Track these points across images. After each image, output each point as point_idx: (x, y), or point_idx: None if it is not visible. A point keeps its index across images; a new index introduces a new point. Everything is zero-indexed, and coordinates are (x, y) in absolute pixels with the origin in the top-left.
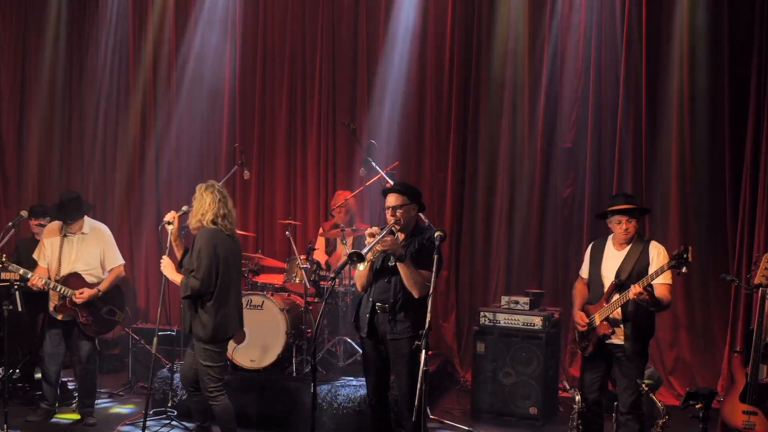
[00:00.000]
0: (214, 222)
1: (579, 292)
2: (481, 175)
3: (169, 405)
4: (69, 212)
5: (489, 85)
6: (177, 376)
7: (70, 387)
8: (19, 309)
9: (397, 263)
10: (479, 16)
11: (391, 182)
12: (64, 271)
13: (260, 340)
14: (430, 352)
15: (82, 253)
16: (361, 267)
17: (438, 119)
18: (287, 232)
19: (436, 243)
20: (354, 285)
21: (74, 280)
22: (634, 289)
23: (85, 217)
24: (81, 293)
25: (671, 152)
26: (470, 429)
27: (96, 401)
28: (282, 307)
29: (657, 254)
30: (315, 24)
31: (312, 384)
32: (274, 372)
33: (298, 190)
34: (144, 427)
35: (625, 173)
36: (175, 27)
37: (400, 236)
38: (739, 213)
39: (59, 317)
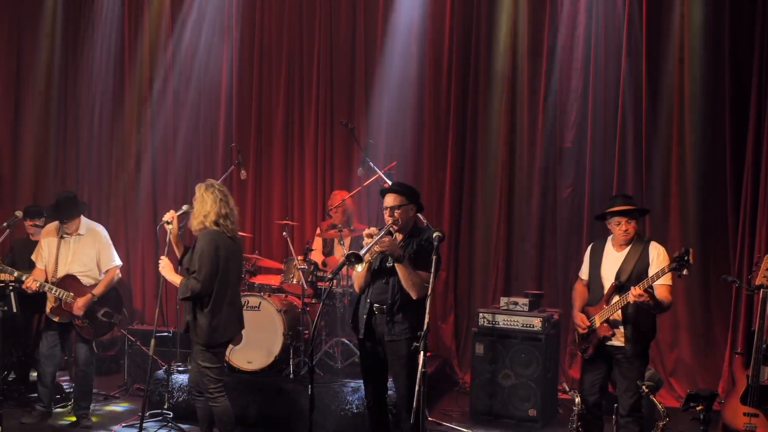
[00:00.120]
0: (216, 223)
1: (579, 293)
2: (480, 175)
3: (166, 407)
4: (65, 212)
5: (488, 84)
6: (173, 377)
7: (65, 389)
8: (14, 310)
9: (395, 264)
10: (478, 15)
11: (390, 182)
12: (60, 273)
13: (257, 341)
14: (428, 354)
15: (78, 255)
16: (359, 268)
17: (437, 119)
18: (284, 233)
19: (435, 244)
20: (352, 286)
21: (70, 282)
22: (635, 292)
23: (82, 218)
24: (77, 304)
25: (672, 152)
26: (469, 431)
27: (92, 403)
28: (279, 309)
29: (657, 255)
30: (312, 22)
31: (310, 386)
32: (271, 374)
33: (295, 190)
34: (141, 429)
35: (626, 173)
36: (171, 26)
37: (399, 237)
38: (740, 213)
39: (56, 319)
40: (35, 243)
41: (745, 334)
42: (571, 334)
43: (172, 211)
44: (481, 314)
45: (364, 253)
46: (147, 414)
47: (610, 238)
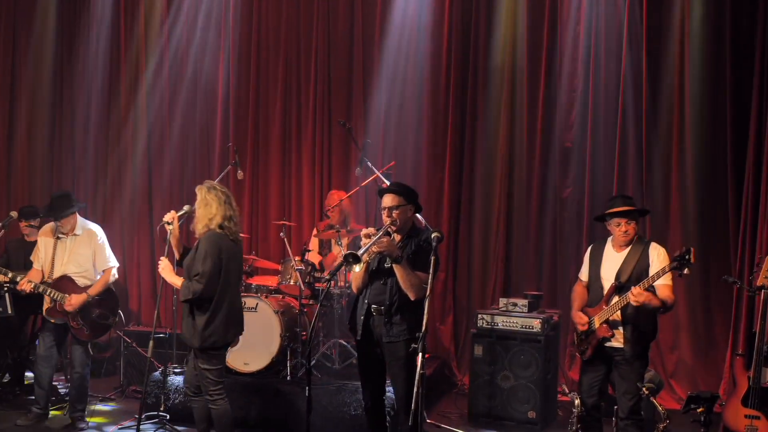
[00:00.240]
0: (221, 226)
1: (578, 294)
2: (478, 175)
3: (162, 409)
4: (59, 210)
5: (487, 83)
6: (170, 379)
7: (61, 391)
8: (9, 311)
9: (394, 265)
10: (477, 15)
11: (388, 182)
12: (56, 274)
13: (254, 342)
14: (427, 355)
15: (74, 255)
16: (357, 268)
17: (435, 119)
18: (282, 233)
19: (433, 244)
20: (350, 286)
21: (65, 283)
22: (635, 291)
23: (78, 219)
24: (70, 301)
25: (672, 152)
26: None
27: (87, 405)
28: (276, 310)
29: (657, 255)
30: (310, 19)
31: (307, 387)
32: (268, 375)
33: (292, 190)
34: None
35: (626, 173)
36: (167, 24)
37: (397, 237)
38: (741, 214)
39: (52, 320)
40: (30, 244)
41: (746, 335)
42: (570, 335)
43: (172, 212)
44: (480, 315)
45: (362, 254)
46: (143, 416)
47: (610, 239)
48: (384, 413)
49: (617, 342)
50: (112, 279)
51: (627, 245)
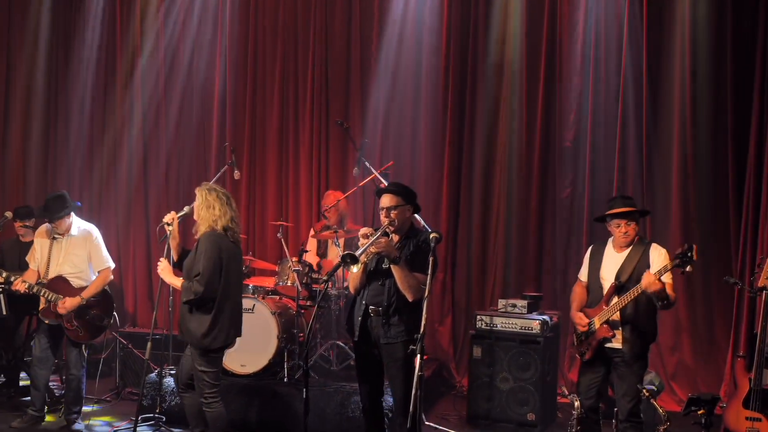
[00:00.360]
0: (225, 227)
1: (578, 295)
2: (477, 175)
3: (158, 411)
4: (54, 210)
5: (486, 83)
6: (166, 381)
7: (56, 393)
8: (4, 312)
9: (391, 265)
10: (476, 14)
11: (386, 182)
12: (51, 274)
13: (251, 344)
14: (425, 357)
15: (69, 256)
16: (355, 269)
17: (434, 118)
18: (279, 234)
19: (432, 245)
20: (347, 287)
21: (60, 284)
22: (649, 278)
23: (74, 218)
24: (63, 303)
25: (673, 152)
26: None
27: (83, 407)
28: (273, 311)
29: (658, 256)
30: (307, 18)
31: (304, 389)
32: (265, 377)
33: (290, 191)
34: None
35: (626, 173)
36: (163, 22)
37: (395, 238)
38: (742, 214)
39: (46, 321)
40: (25, 244)
41: (747, 336)
42: (570, 336)
43: (172, 213)
44: (478, 316)
45: (360, 254)
46: (139, 418)
47: (610, 240)
48: (382, 415)
49: (617, 343)
50: (107, 280)
51: (627, 246)
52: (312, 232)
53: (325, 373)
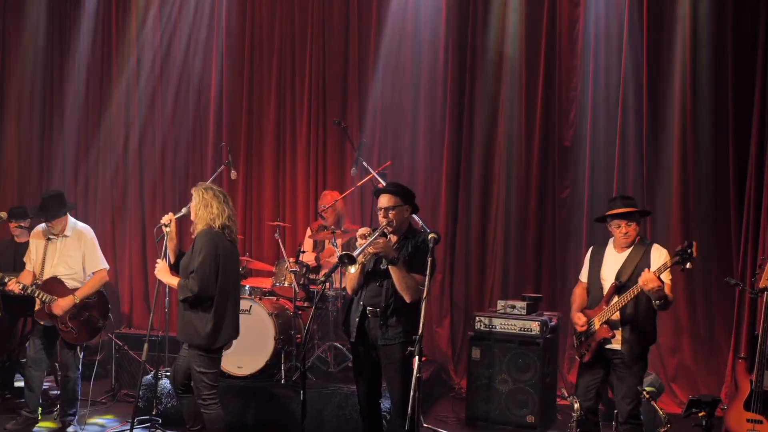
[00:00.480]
0: (224, 226)
1: (578, 296)
2: (476, 175)
3: (154, 413)
4: (50, 210)
5: (484, 82)
6: (162, 383)
7: (51, 394)
8: None
9: (389, 266)
10: (474, 14)
11: (383, 182)
12: (46, 275)
13: (248, 345)
14: (423, 358)
15: (64, 257)
16: (352, 269)
17: (432, 118)
18: (276, 234)
19: (430, 245)
20: (345, 288)
21: (54, 285)
22: (648, 275)
23: (69, 219)
24: (57, 304)
25: (673, 152)
26: None
27: (78, 409)
28: (270, 312)
29: (659, 256)
30: (305, 17)
31: (302, 391)
32: (262, 379)
33: (287, 191)
34: None
35: (626, 173)
36: (159, 20)
37: (393, 238)
38: (743, 214)
39: (41, 323)
40: (20, 245)
41: (748, 338)
42: (570, 338)
43: (170, 214)
44: (477, 318)
45: (358, 255)
46: (135, 420)
47: (611, 240)
48: (380, 417)
49: (616, 344)
50: (102, 282)
51: (628, 247)
52: (309, 232)
53: (322, 375)
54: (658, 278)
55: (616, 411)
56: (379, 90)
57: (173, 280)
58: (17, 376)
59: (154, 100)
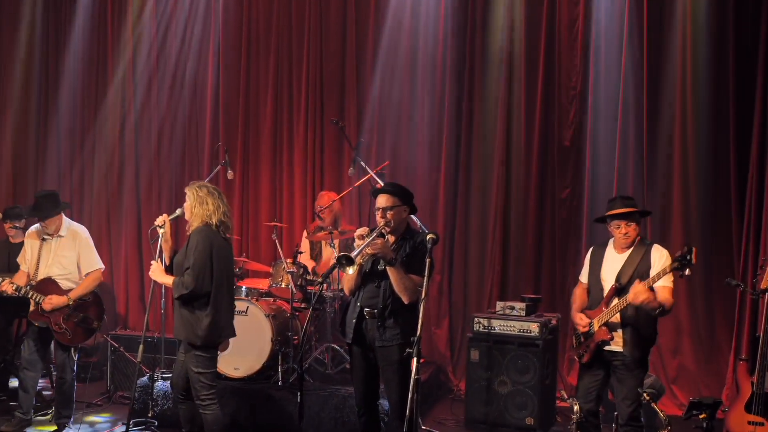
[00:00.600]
0: (219, 222)
1: (578, 297)
2: (475, 175)
3: (150, 415)
4: (44, 210)
5: (483, 81)
6: (158, 385)
7: (46, 396)
8: None
9: (387, 267)
10: (473, 13)
11: (381, 182)
12: (40, 276)
13: (244, 347)
14: (421, 360)
15: (58, 257)
16: (350, 271)
17: (431, 117)
18: (273, 235)
19: (429, 246)
20: (343, 289)
21: (48, 285)
22: (636, 288)
23: (64, 219)
24: (50, 300)
25: (674, 151)
26: None
27: (73, 411)
28: (267, 313)
29: (659, 257)
30: (302, 13)
31: (299, 393)
32: (259, 381)
33: (284, 191)
34: None
35: (626, 173)
36: (155, 19)
37: (391, 239)
38: (744, 214)
39: (36, 324)
40: (15, 245)
41: (749, 339)
42: (569, 339)
43: (164, 215)
44: (476, 319)
45: (356, 256)
46: (131, 422)
47: (611, 240)
48: (378, 419)
49: (616, 346)
50: (96, 282)
51: (628, 247)
52: (305, 233)
53: (320, 377)
54: (651, 288)
55: (616, 413)
56: (377, 89)
57: (168, 279)
58: (12, 377)
59: (150, 99)
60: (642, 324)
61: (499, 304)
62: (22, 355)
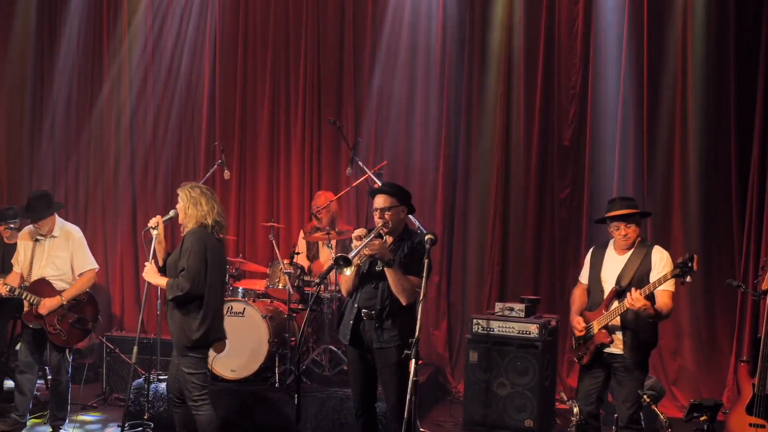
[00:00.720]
0: (213, 223)
1: (578, 298)
2: (473, 175)
3: (146, 417)
4: (37, 211)
5: (482, 81)
6: (153, 386)
7: (40, 398)
8: None
9: (385, 268)
10: (472, 11)
11: (379, 183)
12: (34, 277)
13: (241, 349)
14: (420, 362)
15: (51, 258)
16: (348, 272)
17: (429, 117)
18: (270, 236)
19: (427, 247)
20: (340, 290)
21: (42, 286)
22: (633, 295)
23: (57, 219)
24: (44, 304)
25: (674, 151)
26: None
27: (68, 413)
28: (264, 314)
29: (660, 259)
30: (299, 13)
31: (296, 395)
32: (256, 382)
33: (281, 191)
34: None
35: (626, 173)
36: (151, 17)
37: (389, 240)
38: (745, 214)
39: (30, 325)
40: (9, 246)
41: (750, 340)
42: (569, 340)
43: (158, 216)
44: (475, 320)
45: (353, 256)
46: (126, 425)
47: (612, 241)
48: (376, 421)
49: (616, 348)
50: (90, 283)
51: (629, 248)
52: (302, 234)
53: (317, 379)
54: (647, 296)
55: (616, 415)
56: (375, 88)
57: (162, 281)
58: (6, 379)
59: (146, 100)
60: (642, 327)
61: (498, 305)
62: (20, 358)
